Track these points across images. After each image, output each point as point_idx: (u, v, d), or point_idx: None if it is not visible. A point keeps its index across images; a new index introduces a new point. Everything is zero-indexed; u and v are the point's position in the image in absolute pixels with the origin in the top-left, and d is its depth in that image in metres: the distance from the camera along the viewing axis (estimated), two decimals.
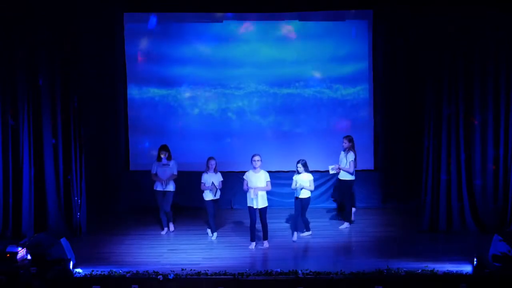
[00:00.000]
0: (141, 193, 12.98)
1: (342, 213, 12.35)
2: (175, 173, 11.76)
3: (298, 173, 11.25)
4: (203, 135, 13.62)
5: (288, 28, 13.44)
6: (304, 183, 11.20)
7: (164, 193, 11.71)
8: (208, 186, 11.32)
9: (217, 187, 11.38)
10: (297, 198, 11.31)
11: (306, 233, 11.53)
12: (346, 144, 11.93)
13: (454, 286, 9.12)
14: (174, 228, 11.94)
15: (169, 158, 11.76)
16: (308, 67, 13.48)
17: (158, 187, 11.73)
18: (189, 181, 13.01)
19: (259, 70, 13.47)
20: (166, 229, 11.86)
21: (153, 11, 13.36)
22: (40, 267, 9.44)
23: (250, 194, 10.89)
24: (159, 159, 11.76)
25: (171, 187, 11.73)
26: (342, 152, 11.99)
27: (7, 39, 11.33)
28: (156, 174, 11.73)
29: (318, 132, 13.48)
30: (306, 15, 13.34)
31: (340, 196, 12.61)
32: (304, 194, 11.28)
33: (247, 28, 13.49)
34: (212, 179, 11.34)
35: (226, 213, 13.12)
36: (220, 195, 11.59)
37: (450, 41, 11.40)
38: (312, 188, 11.34)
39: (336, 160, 12.11)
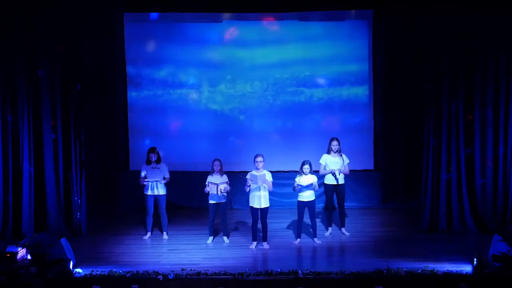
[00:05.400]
0: (141, 193, 12.93)
1: (332, 217, 11.81)
2: (167, 176, 11.43)
3: (303, 174, 10.89)
4: (204, 135, 13.62)
5: (288, 28, 13.44)
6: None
7: (156, 198, 11.40)
8: (212, 189, 11.02)
9: (223, 190, 10.99)
10: (302, 201, 10.96)
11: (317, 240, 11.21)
12: (339, 146, 11.43)
13: (454, 286, 9.11)
14: (168, 234, 11.53)
15: (158, 160, 11.39)
16: (308, 68, 13.48)
17: (149, 192, 11.42)
18: (190, 181, 13.02)
19: (259, 70, 13.47)
20: (149, 233, 11.54)
21: (153, 11, 13.37)
22: (40, 267, 9.44)
23: (257, 182, 10.69)
24: (148, 162, 11.41)
25: (162, 191, 11.42)
26: (332, 155, 11.41)
27: (7, 36, 11.30)
28: (145, 178, 11.41)
29: (318, 132, 13.46)
30: (306, 15, 13.35)
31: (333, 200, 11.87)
32: (312, 196, 10.99)
33: (247, 28, 13.50)
34: (216, 181, 11.04)
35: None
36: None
37: (450, 40, 11.39)
38: (317, 189, 11.09)
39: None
